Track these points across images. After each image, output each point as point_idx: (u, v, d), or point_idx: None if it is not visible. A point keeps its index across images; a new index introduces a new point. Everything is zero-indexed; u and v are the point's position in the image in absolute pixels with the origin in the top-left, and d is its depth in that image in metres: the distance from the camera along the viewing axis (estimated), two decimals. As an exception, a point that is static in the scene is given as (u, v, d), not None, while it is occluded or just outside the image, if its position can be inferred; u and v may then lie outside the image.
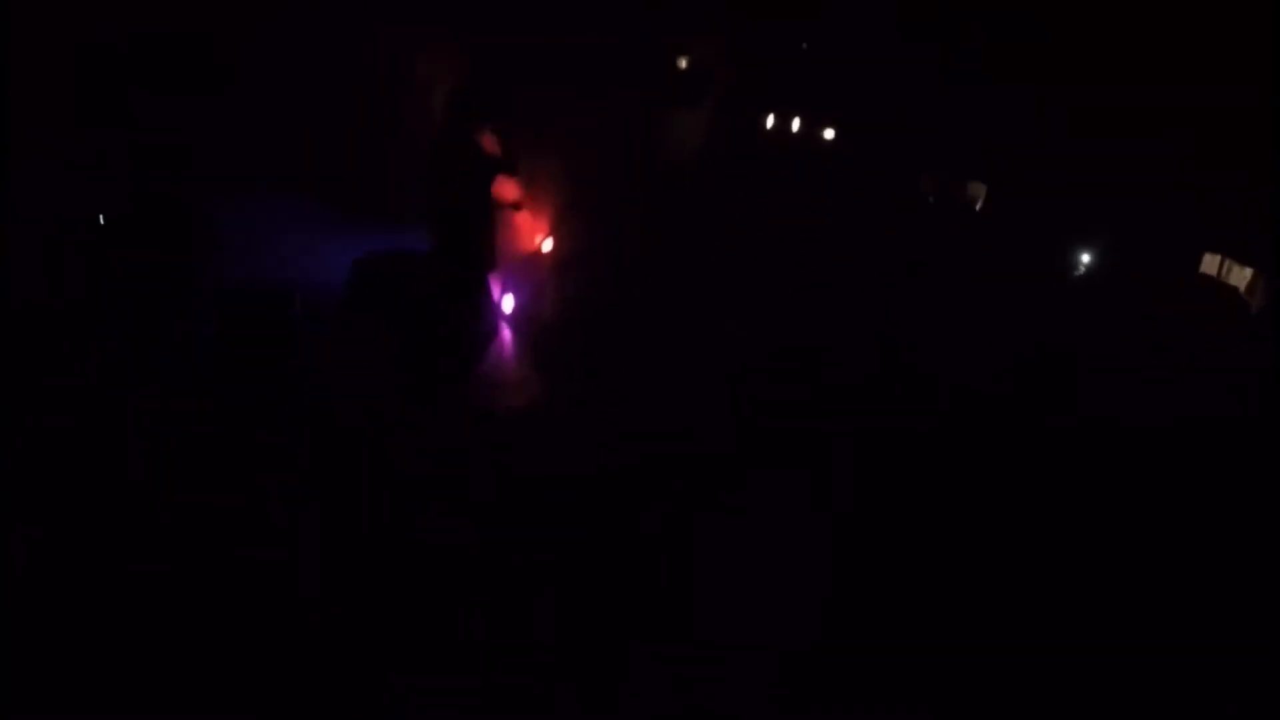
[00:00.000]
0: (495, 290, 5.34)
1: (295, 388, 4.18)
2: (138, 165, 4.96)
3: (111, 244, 4.41)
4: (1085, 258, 6.81)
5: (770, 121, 8.81)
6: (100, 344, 3.93)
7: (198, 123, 5.97)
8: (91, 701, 2.85)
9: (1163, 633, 3.49)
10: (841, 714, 3.15)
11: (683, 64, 8.21)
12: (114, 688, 2.88)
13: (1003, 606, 3.59)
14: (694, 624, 3.37)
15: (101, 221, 4.36)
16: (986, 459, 4.53)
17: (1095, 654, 3.37)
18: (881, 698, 3.18)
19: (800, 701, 3.13)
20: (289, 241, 6.32)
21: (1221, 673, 3.29)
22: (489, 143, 5.10)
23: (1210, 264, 6.67)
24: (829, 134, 8.65)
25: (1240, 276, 6.56)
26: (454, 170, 5.01)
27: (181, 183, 5.19)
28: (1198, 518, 4.14)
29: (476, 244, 5.15)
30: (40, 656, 2.94)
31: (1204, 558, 3.91)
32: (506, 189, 5.15)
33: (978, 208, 7.64)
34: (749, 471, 4.18)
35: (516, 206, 5.40)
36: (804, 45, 8.42)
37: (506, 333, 5.28)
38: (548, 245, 5.87)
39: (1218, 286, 6.49)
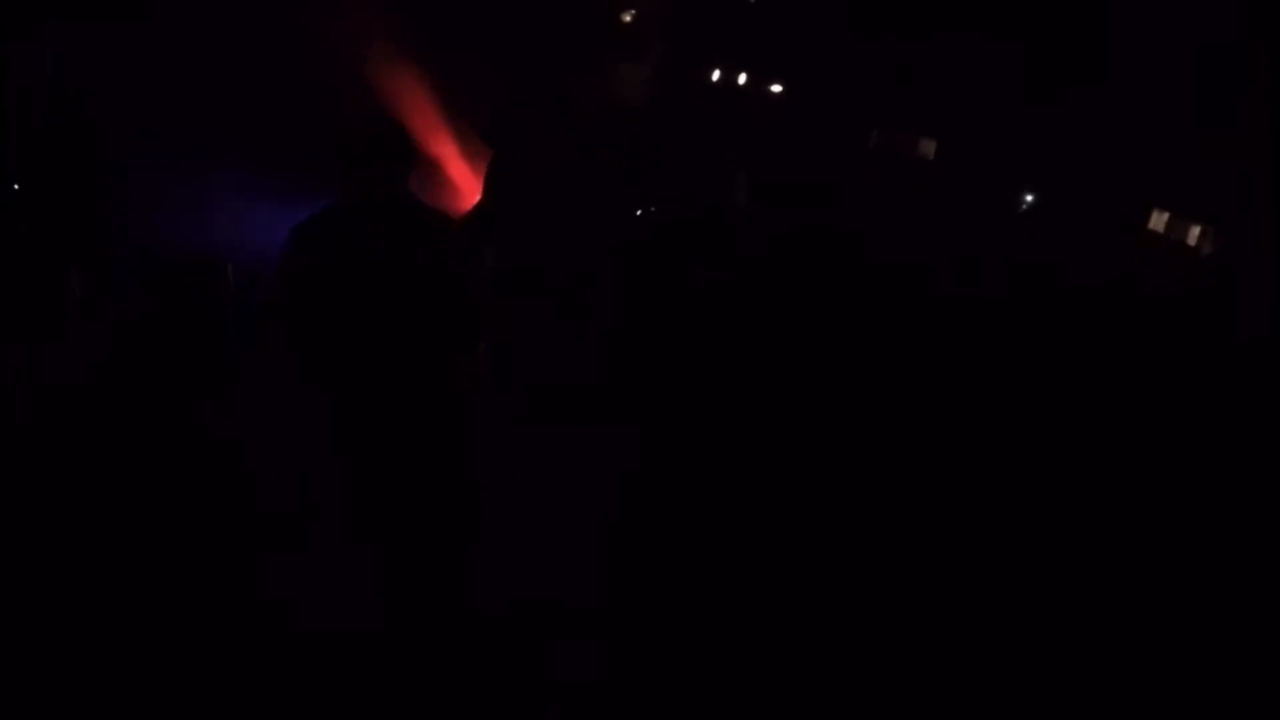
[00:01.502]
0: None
1: (228, 372, 3.92)
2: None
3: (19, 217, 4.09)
4: (1032, 207, 6.81)
5: (715, 75, 8.62)
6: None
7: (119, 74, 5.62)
8: (92, 702, 2.75)
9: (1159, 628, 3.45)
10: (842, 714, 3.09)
11: (627, 17, 7.97)
12: (115, 688, 2.78)
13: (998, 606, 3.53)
14: (692, 625, 3.27)
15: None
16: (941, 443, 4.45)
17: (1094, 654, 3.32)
18: (881, 699, 3.13)
19: (801, 702, 3.07)
20: (219, 205, 5.99)
21: (1220, 672, 3.25)
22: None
23: (1158, 221, 6.72)
24: (776, 89, 8.49)
25: (1189, 234, 6.61)
26: None
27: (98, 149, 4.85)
28: (1157, 476, 4.14)
29: None
30: (40, 656, 2.84)
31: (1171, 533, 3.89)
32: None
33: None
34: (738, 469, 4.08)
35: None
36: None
37: None
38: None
39: (1166, 242, 6.53)
